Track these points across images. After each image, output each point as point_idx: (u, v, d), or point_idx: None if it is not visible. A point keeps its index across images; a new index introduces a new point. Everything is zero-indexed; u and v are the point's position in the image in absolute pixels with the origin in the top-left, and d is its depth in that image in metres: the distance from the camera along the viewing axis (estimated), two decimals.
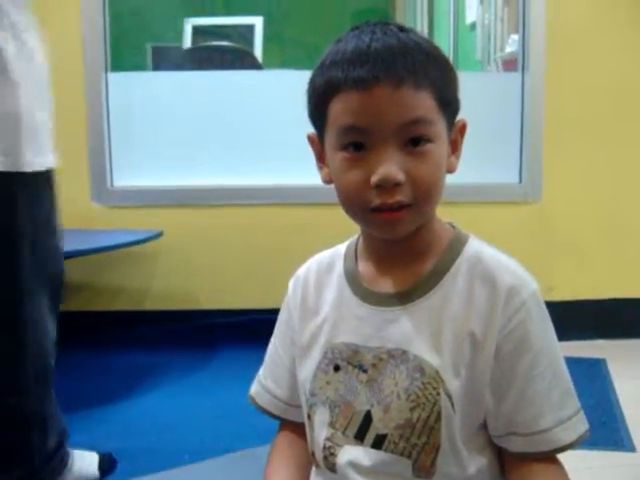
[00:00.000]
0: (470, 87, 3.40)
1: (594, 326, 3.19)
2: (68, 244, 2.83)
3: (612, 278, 3.27)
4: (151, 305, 3.28)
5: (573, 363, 2.85)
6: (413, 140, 0.88)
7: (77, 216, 3.17)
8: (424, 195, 0.89)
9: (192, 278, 3.26)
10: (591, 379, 2.69)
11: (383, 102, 0.86)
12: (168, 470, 1.96)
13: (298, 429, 1.06)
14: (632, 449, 2.14)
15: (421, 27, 5.67)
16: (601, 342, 3.12)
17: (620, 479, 1.97)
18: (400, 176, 0.86)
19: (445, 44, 5.38)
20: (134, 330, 3.19)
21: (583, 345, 3.06)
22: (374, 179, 0.87)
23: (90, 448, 2.20)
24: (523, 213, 3.25)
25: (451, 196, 3.45)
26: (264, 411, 1.10)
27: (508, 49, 4.13)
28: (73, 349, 3.05)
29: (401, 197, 0.87)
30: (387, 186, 0.86)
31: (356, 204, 0.90)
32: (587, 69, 3.18)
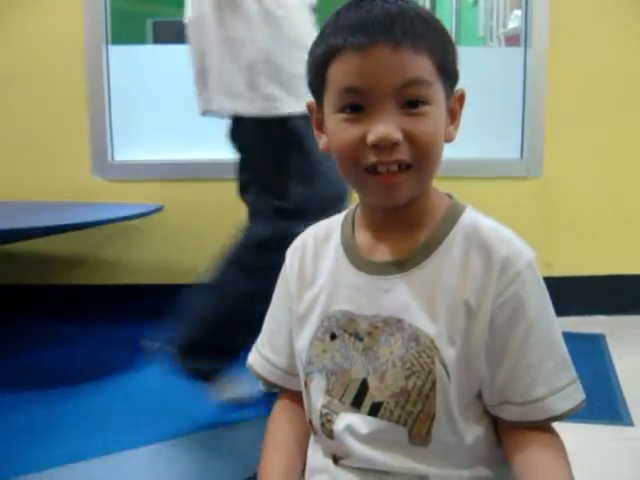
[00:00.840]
0: (472, 62, 3.41)
1: (593, 302, 3.20)
2: (68, 217, 2.85)
3: (612, 254, 3.27)
4: (151, 279, 3.29)
5: (572, 338, 2.86)
6: (411, 103, 0.88)
7: (78, 189, 3.18)
8: (423, 154, 0.89)
9: (192, 252, 3.26)
10: (590, 354, 2.70)
11: (381, 63, 0.86)
12: (170, 440, 1.99)
13: (296, 398, 1.07)
14: (630, 423, 2.15)
15: (423, 2, 5.63)
16: (601, 318, 3.13)
17: (618, 453, 1.98)
18: (397, 134, 0.86)
19: (448, 20, 5.36)
20: (133, 304, 3.19)
21: (582, 321, 3.07)
22: (371, 137, 0.87)
23: (90, 418, 2.23)
24: (524, 189, 3.25)
25: (452, 171, 3.43)
26: (262, 379, 1.11)
27: (511, 25, 4.12)
28: (72, 322, 3.07)
29: (400, 155, 0.87)
30: (384, 145, 0.86)
31: (350, 163, 0.90)
32: (590, 45, 3.17)
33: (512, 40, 3.95)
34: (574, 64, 3.18)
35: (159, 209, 3.00)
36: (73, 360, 2.75)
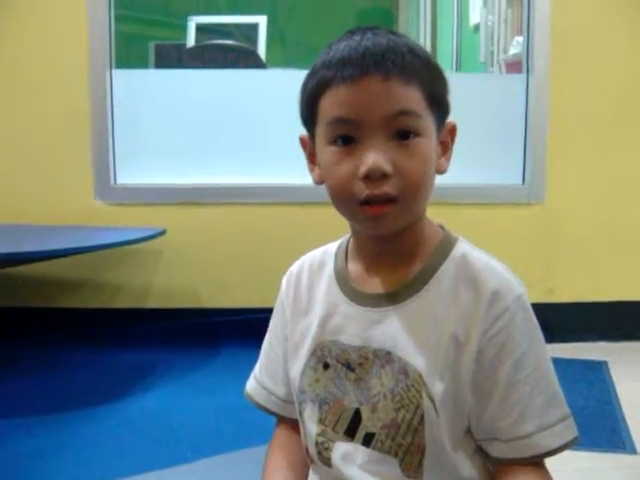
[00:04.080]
0: (474, 88, 3.43)
1: (596, 328, 3.18)
2: (70, 241, 2.86)
3: (614, 281, 3.27)
4: (153, 303, 3.28)
5: (574, 365, 2.86)
6: (401, 134, 0.89)
7: (80, 213, 3.18)
8: (411, 189, 0.89)
9: (194, 276, 3.26)
10: (592, 381, 2.68)
11: (371, 94, 0.87)
12: (170, 467, 1.98)
13: (295, 426, 1.07)
14: (634, 451, 2.13)
15: (424, 28, 5.68)
16: (603, 344, 3.12)
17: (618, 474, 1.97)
18: (387, 166, 0.87)
19: (448, 45, 5.39)
20: (136, 328, 3.18)
21: (585, 347, 3.06)
22: (362, 169, 0.88)
23: (90, 445, 2.21)
24: (526, 215, 3.25)
25: (454, 197, 3.45)
26: (261, 408, 1.11)
27: (512, 51, 4.14)
28: (75, 346, 3.06)
29: (388, 188, 0.88)
30: (375, 176, 0.87)
31: (345, 197, 0.91)
32: (592, 72, 3.18)
33: (513, 66, 3.97)
34: (576, 91, 3.19)
35: (161, 233, 3.00)
36: (73, 385, 2.74)
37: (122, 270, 3.27)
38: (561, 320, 3.04)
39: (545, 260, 3.24)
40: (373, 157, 0.87)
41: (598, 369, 2.82)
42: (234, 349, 2.97)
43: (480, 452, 0.95)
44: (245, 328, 3.00)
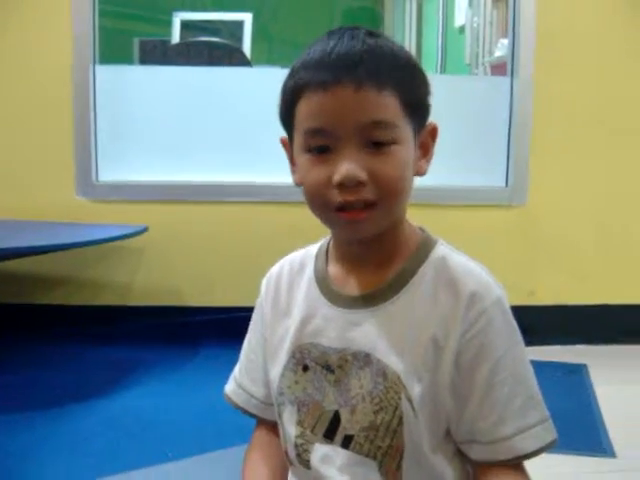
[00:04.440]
0: (458, 90, 3.44)
1: (576, 331, 3.20)
2: (51, 238, 2.84)
3: (595, 284, 3.28)
4: (135, 301, 3.26)
5: (554, 368, 2.87)
6: (376, 143, 0.89)
7: (62, 210, 3.16)
8: (389, 193, 0.89)
9: (177, 274, 3.25)
10: (572, 384, 2.69)
11: (344, 103, 0.87)
12: (150, 467, 1.97)
13: (274, 428, 1.07)
14: (613, 455, 2.14)
15: (409, 28, 5.69)
16: (583, 347, 3.13)
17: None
18: (362, 175, 0.87)
19: (433, 47, 5.40)
20: (117, 325, 3.17)
21: (565, 350, 3.07)
22: (336, 178, 0.88)
23: (71, 443, 2.20)
24: (508, 217, 3.26)
25: (436, 199, 3.45)
26: (240, 409, 1.11)
27: (497, 53, 4.15)
28: (56, 343, 3.04)
29: (364, 194, 0.88)
30: (349, 185, 0.87)
31: (319, 203, 0.91)
32: (576, 75, 3.20)
33: (498, 68, 3.98)
34: (560, 93, 3.20)
35: (143, 230, 2.99)
36: (54, 382, 2.72)
37: (104, 267, 3.26)
38: (542, 323, 3.05)
39: (526, 262, 3.25)
40: (346, 166, 0.87)
41: (578, 372, 2.83)
42: (216, 348, 2.95)
43: (459, 454, 0.95)
44: (227, 327, 2.99)
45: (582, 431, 2.28)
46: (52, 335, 3.08)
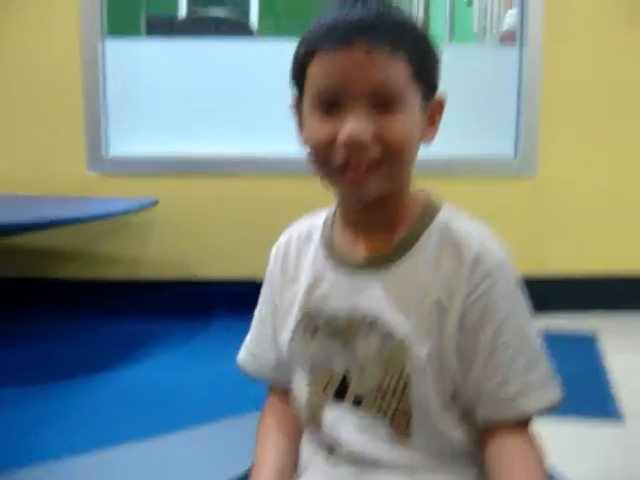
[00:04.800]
0: (467, 59, 3.41)
1: (585, 301, 3.20)
2: (63, 212, 2.85)
3: (604, 253, 3.28)
4: (146, 274, 3.28)
5: (564, 336, 2.87)
6: (384, 105, 0.89)
7: (73, 184, 3.18)
8: (394, 153, 0.90)
9: (188, 247, 3.26)
10: (581, 352, 2.70)
11: (356, 63, 0.88)
12: (164, 435, 2.00)
13: (285, 396, 1.09)
14: (621, 419, 2.16)
15: (417, 2, 5.64)
16: (592, 317, 3.13)
17: (608, 448, 1.99)
18: (367, 136, 0.88)
19: (442, 16, 5.36)
20: (129, 299, 3.20)
21: (574, 319, 3.08)
22: (341, 137, 0.89)
23: (87, 414, 2.23)
24: (517, 188, 3.26)
25: (443, 169, 3.43)
26: (253, 377, 1.13)
27: (505, 24, 4.12)
28: (68, 316, 3.07)
29: (369, 154, 0.89)
30: (353, 145, 0.88)
31: (322, 160, 0.92)
32: (586, 44, 3.17)
33: (507, 38, 3.96)
34: (570, 62, 3.18)
35: (154, 203, 3.00)
36: (67, 355, 2.75)
37: (116, 241, 3.28)
38: (551, 293, 3.05)
39: (536, 233, 3.25)
40: (352, 125, 0.88)
41: (587, 340, 2.84)
42: (228, 319, 2.98)
43: (467, 419, 0.96)
44: (239, 299, 3.02)
45: (591, 397, 2.30)
46: (65, 309, 3.11)
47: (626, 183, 3.26)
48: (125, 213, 2.94)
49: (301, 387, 1.03)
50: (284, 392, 1.10)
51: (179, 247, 3.27)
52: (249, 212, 3.22)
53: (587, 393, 2.31)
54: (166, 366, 2.65)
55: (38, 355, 2.75)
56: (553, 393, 0.93)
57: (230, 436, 1.84)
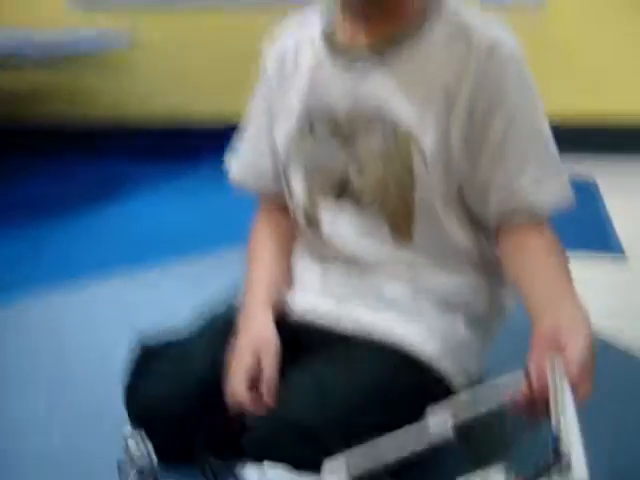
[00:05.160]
0: None
1: (586, 144, 3.11)
2: (41, 47, 2.73)
3: (604, 92, 3.18)
4: (132, 114, 3.25)
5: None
6: None
7: (51, 19, 3.10)
8: None
9: (171, 84, 3.22)
10: (581, 196, 2.65)
11: None
12: (160, 266, 1.95)
13: (279, 204, 1.08)
14: (623, 255, 2.14)
15: None
16: (591, 161, 3.05)
17: (612, 286, 1.95)
18: None
19: None
20: (114, 138, 3.16)
21: (573, 162, 3.00)
22: None
23: (74, 248, 2.20)
24: (522, 21, 3.09)
25: None
26: (248, 187, 1.12)
27: None
28: (50, 157, 3.00)
29: None
30: None
31: None
32: None
33: None
34: None
35: (130, 38, 2.96)
36: (51, 194, 2.73)
37: (95, 80, 3.22)
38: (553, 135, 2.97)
39: (538, 72, 3.12)
40: None
41: (586, 185, 2.80)
42: (214, 157, 2.91)
43: (474, 224, 0.95)
44: (223, 137, 2.94)
45: (593, 234, 2.29)
46: (46, 148, 3.07)
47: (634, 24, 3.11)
48: (103, 48, 2.95)
49: (299, 187, 1.01)
50: (276, 201, 1.08)
51: (163, 85, 3.21)
52: (228, 47, 3.11)
53: (589, 231, 2.29)
54: (154, 203, 2.64)
55: (19, 194, 2.72)
56: (565, 190, 0.94)
57: (221, 268, 1.78)
